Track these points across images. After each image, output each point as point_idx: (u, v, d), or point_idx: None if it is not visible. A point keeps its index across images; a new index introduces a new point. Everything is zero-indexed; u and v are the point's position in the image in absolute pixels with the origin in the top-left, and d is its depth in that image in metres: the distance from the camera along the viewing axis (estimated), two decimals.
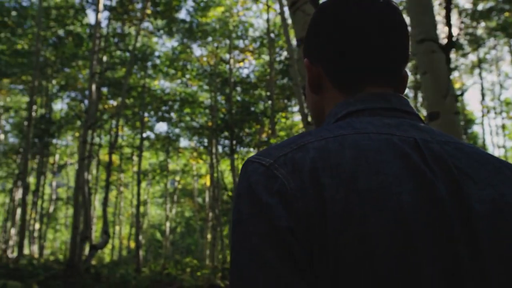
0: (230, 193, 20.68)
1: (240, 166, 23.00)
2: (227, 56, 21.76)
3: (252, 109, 19.54)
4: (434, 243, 0.59)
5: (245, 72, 26.74)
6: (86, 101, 18.10)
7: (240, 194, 0.64)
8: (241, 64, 22.39)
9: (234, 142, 18.95)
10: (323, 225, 0.58)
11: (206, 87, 24.30)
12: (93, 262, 13.35)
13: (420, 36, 3.39)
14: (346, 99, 0.77)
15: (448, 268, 0.59)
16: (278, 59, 19.14)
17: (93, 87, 10.62)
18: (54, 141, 25.59)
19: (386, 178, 0.61)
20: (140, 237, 20.52)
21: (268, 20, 16.89)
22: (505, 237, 0.63)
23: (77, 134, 25.65)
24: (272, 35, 17.85)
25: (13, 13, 18.37)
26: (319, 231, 0.58)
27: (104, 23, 19.01)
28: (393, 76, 0.79)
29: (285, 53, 19.70)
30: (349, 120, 0.71)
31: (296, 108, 20.30)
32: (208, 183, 28.35)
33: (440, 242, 0.59)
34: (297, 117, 22.70)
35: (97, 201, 27.71)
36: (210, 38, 21.48)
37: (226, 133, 19.70)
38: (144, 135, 24.06)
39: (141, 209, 30.09)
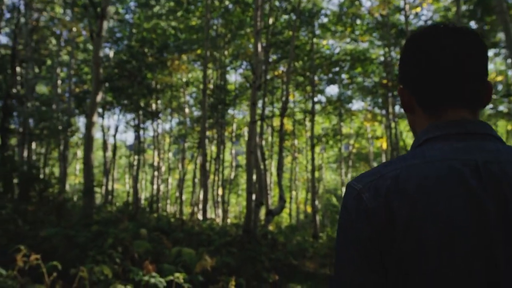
0: None
1: None
2: (401, 3, 19.45)
3: None
4: (476, 247, 0.78)
5: (423, 19, 23.73)
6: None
7: (341, 210, 0.91)
8: (418, 10, 19.84)
9: None
10: (392, 232, 0.81)
11: (378, 42, 22.45)
12: (271, 227, 13.26)
13: None
14: (428, 125, 0.94)
15: (486, 270, 0.77)
16: None
17: (259, 45, 10.05)
18: (231, 111, 26.73)
19: (441, 199, 0.80)
20: (316, 202, 20.11)
21: None
22: None
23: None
24: None
25: None
26: (389, 236, 0.82)
27: None
28: (469, 97, 0.93)
29: None
30: (425, 147, 0.90)
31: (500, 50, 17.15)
32: (384, 146, 26.57)
33: (481, 246, 0.78)
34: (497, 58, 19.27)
35: (273, 167, 28.29)
36: None
37: None
38: (315, 99, 23.50)
39: (316, 174, 29.87)
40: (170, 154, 31.02)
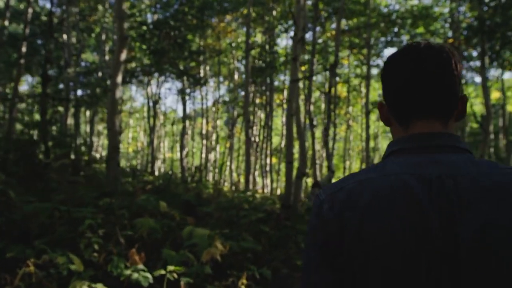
0: (474, 125, 16.74)
1: (490, 89, 18.62)
2: None
3: None
4: (416, 261, 0.81)
5: None
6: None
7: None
8: None
9: (487, 57, 14.77)
10: (343, 242, 0.88)
11: None
12: None
13: None
14: (396, 138, 0.99)
15: (426, 283, 0.80)
16: None
17: None
18: (281, 77, 25.37)
19: (388, 213, 0.84)
20: None
21: None
22: (486, 257, 0.78)
23: (302, 69, 24.72)
24: None
25: None
26: (340, 245, 0.88)
27: None
28: (441, 109, 0.95)
29: None
30: (388, 160, 0.95)
31: None
32: None
33: (421, 261, 0.80)
34: None
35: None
36: None
37: (475, 50, 15.66)
38: (372, 62, 21.68)
39: (371, 143, 28.16)
40: (218, 122, 30.29)
